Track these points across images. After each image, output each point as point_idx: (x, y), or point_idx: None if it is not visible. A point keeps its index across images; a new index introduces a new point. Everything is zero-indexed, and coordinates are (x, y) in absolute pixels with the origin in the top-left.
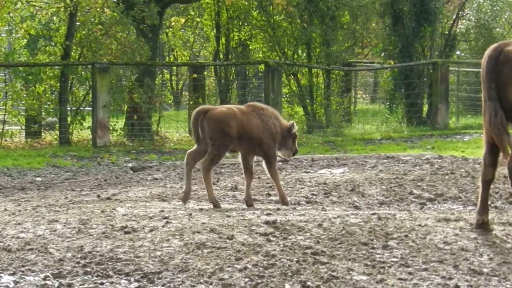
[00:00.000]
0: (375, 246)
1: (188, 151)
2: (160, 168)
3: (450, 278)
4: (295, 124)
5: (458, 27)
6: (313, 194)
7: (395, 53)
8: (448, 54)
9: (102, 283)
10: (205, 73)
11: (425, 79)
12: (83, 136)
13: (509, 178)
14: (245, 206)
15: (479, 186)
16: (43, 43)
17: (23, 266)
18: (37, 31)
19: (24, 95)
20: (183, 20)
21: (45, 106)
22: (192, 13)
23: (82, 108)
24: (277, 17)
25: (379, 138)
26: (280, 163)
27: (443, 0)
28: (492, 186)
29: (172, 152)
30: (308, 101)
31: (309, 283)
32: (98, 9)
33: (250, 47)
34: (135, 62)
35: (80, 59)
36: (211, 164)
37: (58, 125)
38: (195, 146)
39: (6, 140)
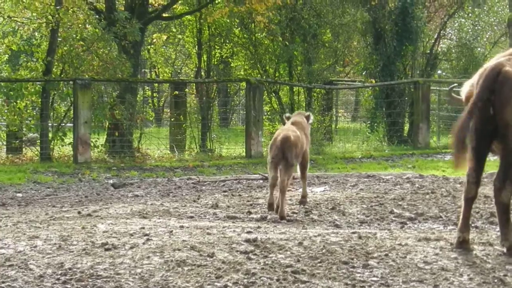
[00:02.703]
0: (356, 265)
1: (273, 176)
2: (141, 185)
3: None
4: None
5: (440, 46)
6: (293, 212)
7: (377, 72)
8: (429, 73)
9: None
10: (187, 90)
11: (406, 98)
12: (64, 152)
13: (494, 195)
14: (225, 224)
15: (461, 204)
16: (25, 59)
17: (3, 282)
18: (19, 47)
19: (5, 111)
20: (165, 37)
21: (26, 122)
22: (174, 30)
23: (63, 124)
24: (259, 34)
25: (360, 156)
26: (261, 181)
27: (424, 19)
28: (473, 206)
29: (153, 169)
30: None
31: None
32: (80, 25)
33: (232, 65)
34: (116, 78)
35: (62, 75)
36: (289, 181)
37: (39, 141)
38: (274, 171)
39: None
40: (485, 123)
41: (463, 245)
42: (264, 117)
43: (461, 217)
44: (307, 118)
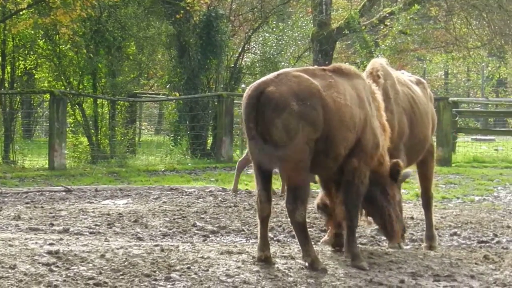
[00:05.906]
0: (158, 278)
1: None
2: None
3: None
4: None
5: (244, 60)
6: (96, 225)
7: (181, 85)
8: (233, 87)
9: None
10: None
11: (210, 112)
12: None
13: (289, 216)
14: (27, 236)
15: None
16: None
17: None
18: None
19: None
20: None
21: None
22: None
23: None
24: (63, 46)
25: (163, 169)
26: (63, 193)
27: (229, 33)
28: (275, 220)
29: None
30: (92, 131)
31: None
32: None
33: (36, 76)
34: None
35: None
36: None
37: None
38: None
39: None
40: None
41: (264, 261)
42: (67, 129)
43: (259, 236)
44: None
